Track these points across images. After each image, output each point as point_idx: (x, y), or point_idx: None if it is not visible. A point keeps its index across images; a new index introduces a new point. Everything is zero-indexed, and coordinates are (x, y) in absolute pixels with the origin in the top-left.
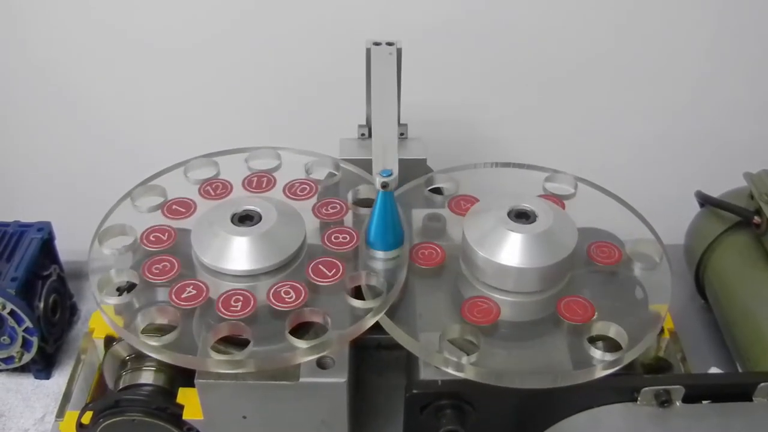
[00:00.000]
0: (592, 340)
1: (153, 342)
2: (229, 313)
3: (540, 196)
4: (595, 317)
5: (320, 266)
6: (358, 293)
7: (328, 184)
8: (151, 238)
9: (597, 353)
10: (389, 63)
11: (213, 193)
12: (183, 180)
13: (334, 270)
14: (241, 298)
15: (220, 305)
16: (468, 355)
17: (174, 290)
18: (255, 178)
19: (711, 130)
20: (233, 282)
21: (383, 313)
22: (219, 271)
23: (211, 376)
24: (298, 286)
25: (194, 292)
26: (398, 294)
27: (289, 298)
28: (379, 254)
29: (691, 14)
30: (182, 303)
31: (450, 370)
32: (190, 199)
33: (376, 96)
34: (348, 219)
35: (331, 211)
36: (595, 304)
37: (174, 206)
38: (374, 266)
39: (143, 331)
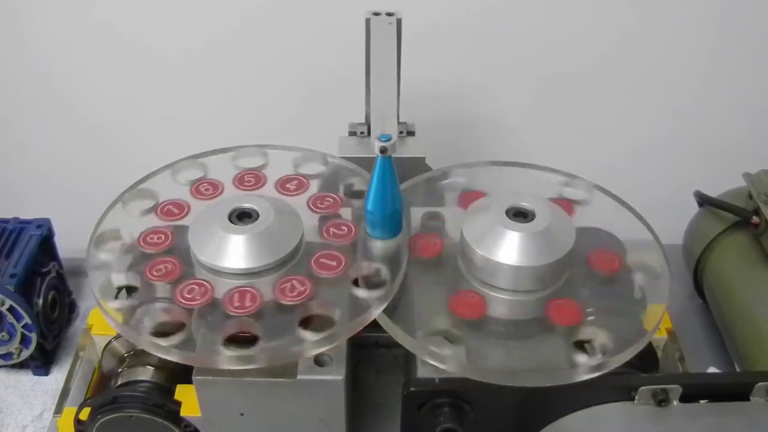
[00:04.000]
0: (583, 342)
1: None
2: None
3: (551, 199)
4: (582, 321)
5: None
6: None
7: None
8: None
9: (582, 358)
10: (389, 33)
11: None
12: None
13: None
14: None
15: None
16: (465, 352)
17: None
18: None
19: (710, 131)
20: (233, 280)
21: (389, 301)
22: (219, 270)
23: (209, 372)
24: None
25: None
26: (400, 284)
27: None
28: (378, 243)
29: (691, 17)
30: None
31: (446, 368)
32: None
33: (375, 65)
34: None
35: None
36: (591, 305)
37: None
38: (374, 255)
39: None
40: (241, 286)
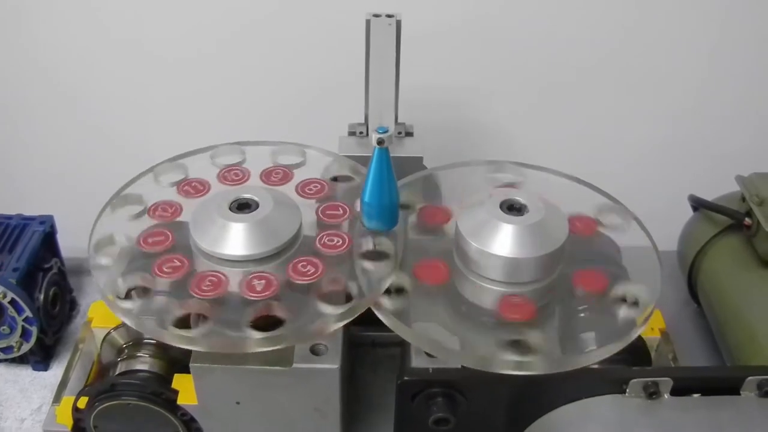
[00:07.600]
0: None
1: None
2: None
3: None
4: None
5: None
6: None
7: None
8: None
9: (624, 310)
10: (388, 33)
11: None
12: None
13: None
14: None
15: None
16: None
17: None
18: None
19: (706, 138)
20: (242, 268)
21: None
22: (228, 259)
23: (206, 360)
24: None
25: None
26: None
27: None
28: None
29: (691, 23)
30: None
31: (440, 357)
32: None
33: (374, 64)
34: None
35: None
36: None
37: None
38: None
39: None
40: (254, 273)
